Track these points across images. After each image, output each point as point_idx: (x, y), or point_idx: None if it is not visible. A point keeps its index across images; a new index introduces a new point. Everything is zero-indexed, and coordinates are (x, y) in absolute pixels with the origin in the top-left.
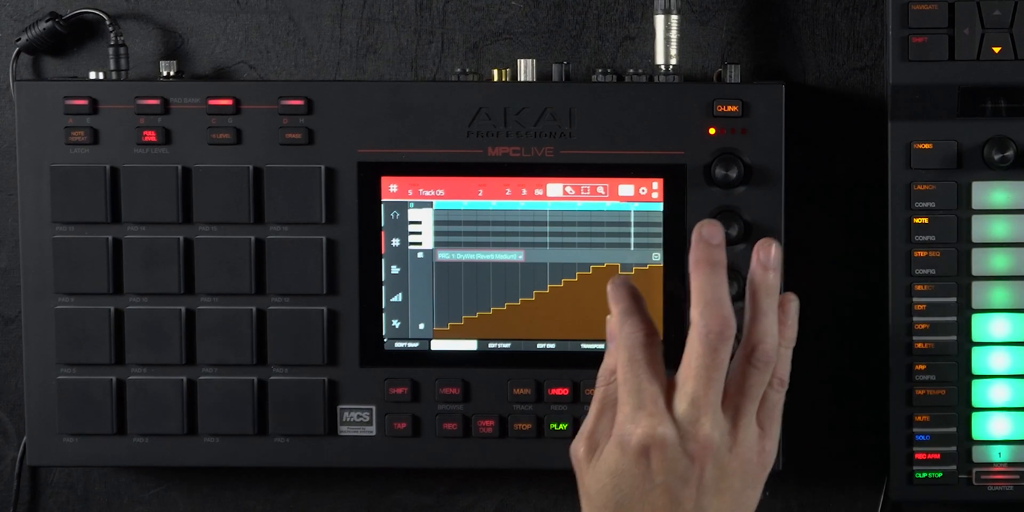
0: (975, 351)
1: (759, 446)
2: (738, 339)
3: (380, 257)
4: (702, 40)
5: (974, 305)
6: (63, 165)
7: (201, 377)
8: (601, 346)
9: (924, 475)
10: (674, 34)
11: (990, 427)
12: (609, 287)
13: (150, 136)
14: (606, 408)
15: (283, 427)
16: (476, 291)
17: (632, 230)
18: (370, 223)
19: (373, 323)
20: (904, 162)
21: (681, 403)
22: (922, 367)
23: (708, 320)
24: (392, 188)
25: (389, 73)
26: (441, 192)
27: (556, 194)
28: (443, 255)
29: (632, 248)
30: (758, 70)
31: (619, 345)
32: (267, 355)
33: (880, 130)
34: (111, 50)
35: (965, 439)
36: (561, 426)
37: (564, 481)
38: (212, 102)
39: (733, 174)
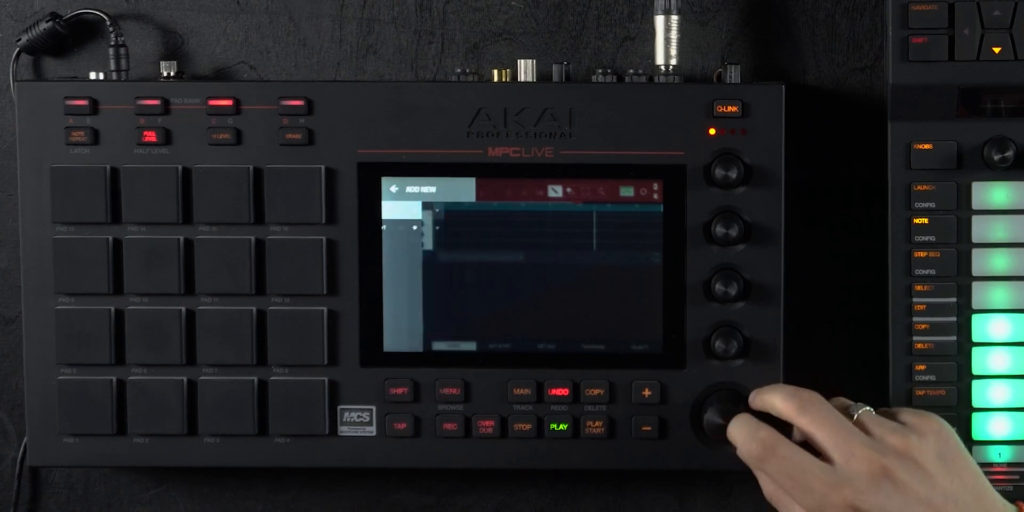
0: (975, 351)
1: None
2: (738, 340)
3: (380, 257)
4: (702, 40)
5: (974, 305)
6: (63, 165)
7: (201, 377)
8: (601, 346)
9: None
10: (674, 34)
11: (990, 427)
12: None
13: (150, 136)
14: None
15: (283, 427)
16: (476, 291)
17: (632, 231)
18: (370, 223)
19: (373, 323)
20: (904, 162)
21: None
22: (922, 367)
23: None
24: (392, 188)
25: (389, 73)
26: (441, 192)
27: (556, 195)
28: (443, 255)
29: (632, 249)
30: (758, 70)
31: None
32: (267, 355)
33: (880, 130)
34: (111, 50)
35: (965, 439)
36: (561, 426)
37: (564, 481)
38: (212, 102)
39: (733, 174)
